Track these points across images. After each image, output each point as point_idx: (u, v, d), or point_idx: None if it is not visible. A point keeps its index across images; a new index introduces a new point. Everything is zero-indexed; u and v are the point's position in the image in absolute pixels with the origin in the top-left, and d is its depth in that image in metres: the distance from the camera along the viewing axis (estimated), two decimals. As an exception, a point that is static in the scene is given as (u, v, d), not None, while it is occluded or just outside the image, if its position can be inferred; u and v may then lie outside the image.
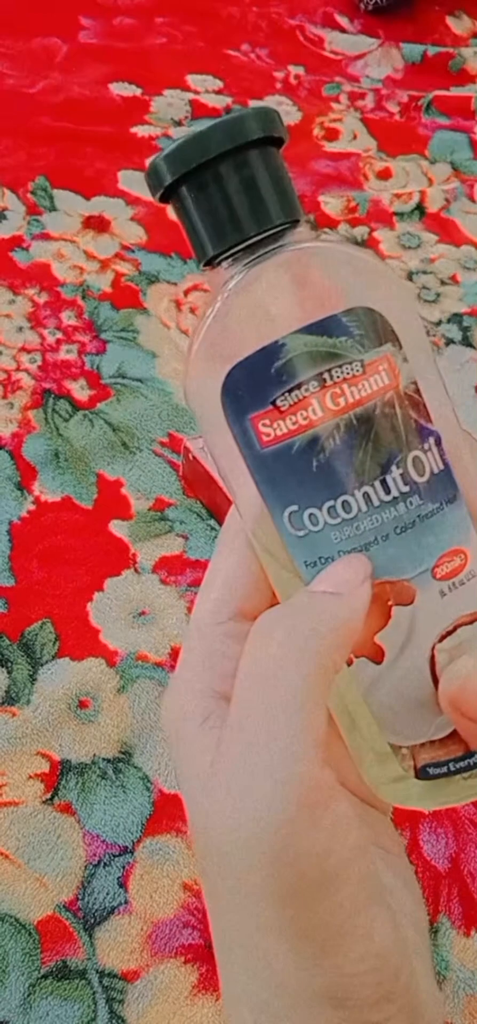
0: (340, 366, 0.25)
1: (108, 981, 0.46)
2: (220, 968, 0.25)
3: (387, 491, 0.25)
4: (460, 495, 0.26)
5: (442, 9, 1.15)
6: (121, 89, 1.00)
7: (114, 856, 0.49)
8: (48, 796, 0.51)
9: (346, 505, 0.25)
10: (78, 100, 0.98)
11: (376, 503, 0.25)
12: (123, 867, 0.49)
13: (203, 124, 0.26)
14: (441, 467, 0.26)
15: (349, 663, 0.26)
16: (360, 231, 0.86)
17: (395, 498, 0.25)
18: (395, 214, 0.88)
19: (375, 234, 0.86)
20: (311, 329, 0.25)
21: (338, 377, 0.25)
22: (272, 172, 0.27)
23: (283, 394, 0.25)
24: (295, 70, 1.06)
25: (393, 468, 0.25)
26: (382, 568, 0.25)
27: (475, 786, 0.27)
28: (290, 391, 0.25)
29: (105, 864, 0.49)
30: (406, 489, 0.25)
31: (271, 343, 0.25)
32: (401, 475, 0.25)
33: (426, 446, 0.26)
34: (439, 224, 0.88)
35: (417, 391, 0.26)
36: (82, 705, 0.54)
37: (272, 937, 0.23)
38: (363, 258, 0.27)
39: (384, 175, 0.93)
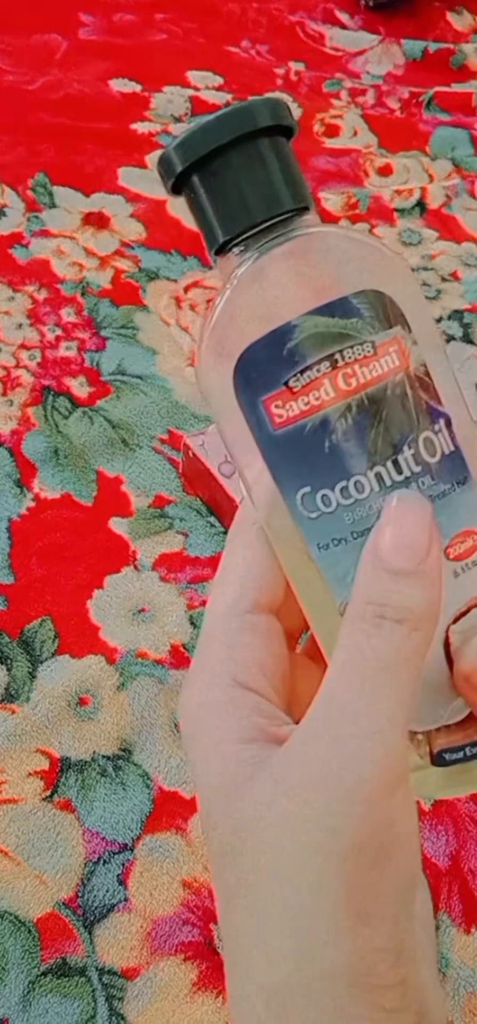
0: (351, 347, 0.25)
1: (108, 978, 0.46)
2: (229, 958, 0.25)
3: (399, 471, 0.25)
4: (471, 478, 0.26)
5: (443, 5, 1.15)
6: (121, 86, 1.00)
7: (114, 853, 0.49)
8: (48, 793, 0.51)
9: (359, 485, 0.25)
10: (78, 97, 0.98)
11: (388, 483, 0.25)
12: (123, 864, 0.49)
13: (212, 114, 0.26)
14: (452, 449, 0.26)
15: None
16: (360, 227, 0.86)
17: (407, 478, 0.25)
18: (396, 210, 0.88)
19: (376, 230, 0.86)
20: (322, 311, 0.25)
21: (350, 358, 0.25)
22: (281, 160, 0.27)
23: (295, 375, 0.25)
24: (295, 66, 1.06)
25: (405, 448, 0.25)
26: None
27: None
28: (302, 372, 0.25)
29: (105, 861, 0.49)
30: (418, 469, 0.25)
31: (283, 324, 0.25)
32: (413, 455, 0.25)
33: (437, 427, 0.26)
34: (440, 220, 0.88)
35: (427, 374, 0.26)
36: (82, 702, 0.54)
37: (314, 897, 0.23)
38: (372, 244, 0.28)
39: (385, 171, 0.93)
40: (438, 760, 0.26)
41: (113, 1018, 0.45)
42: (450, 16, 1.14)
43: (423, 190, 0.90)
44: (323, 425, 0.25)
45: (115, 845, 0.49)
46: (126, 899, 0.48)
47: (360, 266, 0.27)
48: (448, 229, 0.87)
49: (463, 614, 0.26)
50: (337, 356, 0.25)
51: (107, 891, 0.48)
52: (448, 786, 0.27)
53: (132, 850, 0.49)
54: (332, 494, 0.25)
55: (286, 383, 0.25)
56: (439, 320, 0.78)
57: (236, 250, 0.27)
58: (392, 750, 0.23)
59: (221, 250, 0.27)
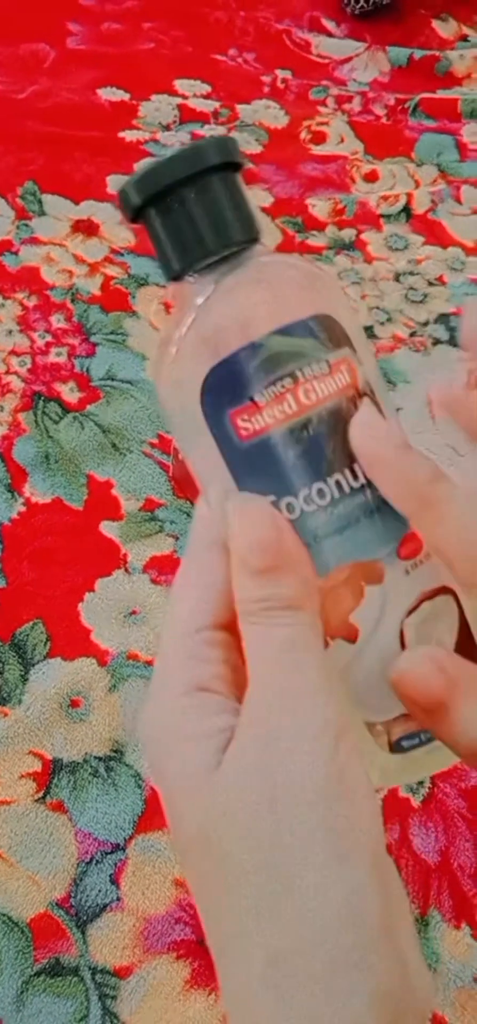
0: (309, 364, 0.27)
1: (101, 977, 0.46)
2: (215, 946, 0.26)
3: (355, 478, 0.27)
4: None
5: (428, 13, 1.16)
6: (109, 94, 1.01)
7: (106, 853, 0.49)
8: (40, 795, 0.51)
9: (320, 492, 0.27)
10: (66, 105, 0.99)
11: (346, 490, 0.27)
12: (115, 864, 0.49)
13: (169, 151, 0.29)
14: None
15: (326, 645, 0.27)
16: (347, 233, 0.87)
17: (362, 485, 0.27)
18: (382, 216, 0.89)
19: (362, 236, 0.87)
20: (283, 331, 0.27)
21: (309, 374, 0.27)
22: (233, 195, 0.29)
23: (260, 390, 0.27)
24: (282, 74, 1.07)
25: (329, 474, 0.27)
26: (355, 550, 0.27)
27: (447, 755, 0.28)
28: (267, 387, 0.27)
29: (97, 861, 0.49)
30: (349, 483, 0.27)
31: (249, 344, 0.27)
32: (339, 479, 0.27)
33: None
34: (426, 226, 0.88)
35: (372, 392, 0.29)
36: (73, 704, 0.55)
37: (311, 842, 0.24)
38: (318, 271, 0.30)
39: (371, 177, 0.93)
40: (396, 747, 0.28)
41: (106, 1017, 0.45)
42: (435, 23, 1.15)
43: (409, 196, 0.91)
44: (287, 437, 0.27)
45: (107, 845, 0.50)
46: (119, 898, 0.48)
47: (309, 292, 0.29)
48: (434, 234, 0.87)
49: (414, 608, 0.28)
50: (298, 373, 0.27)
51: (100, 891, 0.48)
52: (408, 772, 0.29)
53: (124, 850, 0.50)
54: (296, 501, 0.27)
55: (252, 398, 0.27)
56: (425, 324, 0.79)
57: (191, 278, 0.29)
58: (324, 709, 0.25)
59: (176, 278, 0.29)
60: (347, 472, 0.27)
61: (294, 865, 0.24)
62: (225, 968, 0.26)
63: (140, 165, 0.29)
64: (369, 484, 0.27)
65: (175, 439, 0.30)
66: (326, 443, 0.27)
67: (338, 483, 0.27)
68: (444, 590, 0.28)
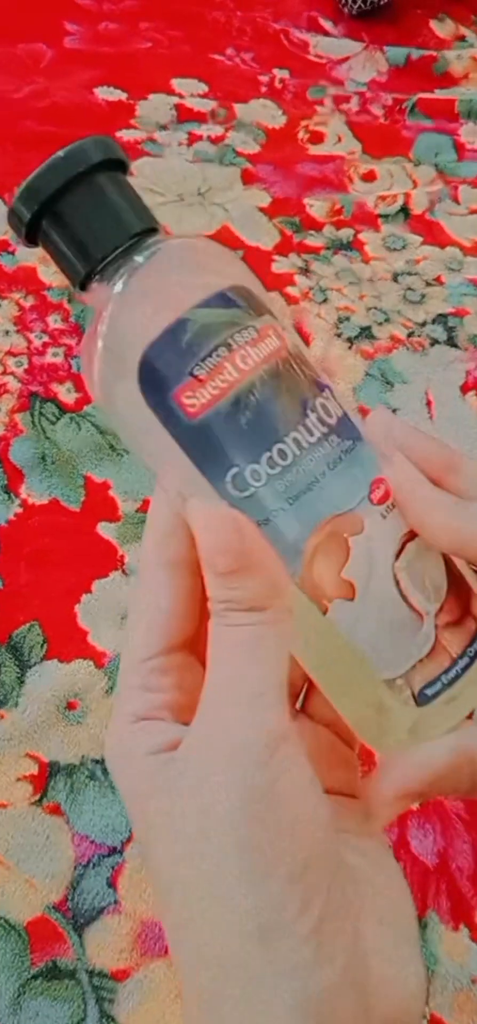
0: (239, 331, 0.27)
1: (98, 981, 0.46)
2: (172, 950, 0.26)
3: (311, 433, 0.27)
4: (363, 434, 0.29)
5: (425, 13, 1.16)
6: (106, 94, 1.00)
7: (103, 857, 0.49)
8: (37, 798, 0.51)
9: (282, 453, 0.27)
10: (63, 105, 0.98)
11: (305, 445, 0.27)
12: (112, 867, 0.49)
13: (51, 157, 0.28)
14: (341, 413, 0.28)
15: (325, 611, 0.27)
16: (345, 233, 0.87)
17: (319, 439, 0.27)
18: (380, 216, 0.89)
19: (360, 236, 0.86)
20: (208, 303, 0.27)
21: (241, 341, 0.27)
22: (124, 189, 0.29)
23: (198, 363, 0.27)
24: (280, 74, 1.06)
25: (308, 412, 0.27)
26: (329, 503, 0.27)
27: (468, 698, 0.28)
28: (204, 359, 0.27)
29: (94, 865, 0.49)
30: (325, 429, 0.28)
31: (176, 321, 0.27)
32: (317, 418, 0.28)
33: (325, 395, 0.28)
34: (424, 226, 0.88)
35: (301, 353, 0.29)
36: (70, 707, 0.54)
37: (216, 864, 0.24)
38: (221, 248, 0.30)
39: (369, 177, 0.93)
40: (421, 699, 0.28)
41: (103, 1020, 0.45)
42: (433, 23, 1.15)
43: (407, 196, 0.91)
44: (235, 404, 0.27)
45: (104, 848, 0.49)
46: (116, 902, 0.48)
47: (220, 267, 0.29)
48: (432, 234, 0.87)
49: (400, 551, 0.28)
50: (230, 340, 0.27)
51: (97, 894, 0.48)
52: (439, 722, 0.28)
53: (121, 853, 0.49)
54: (259, 467, 0.27)
55: (191, 372, 0.27)
56: (423, 324, 0.79)
57: (98, 281, 0.28)
58: (266, 714, 0.25)
59: (84, 283, 0.29)
60: (302, 429, 0.27)
61: (210, 879, 0.24)
62: (176, 970, 0.26)
63: (23, 183, 0.29)
64: (326, 436, 0.27)
65: (126, 444, 0.29)
66: (274, 404, 0.27)
67: (297, 440, 0.27)
68: None
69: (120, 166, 0.29)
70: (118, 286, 0.28)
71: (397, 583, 0.28)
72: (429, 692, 0.28)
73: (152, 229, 0.29)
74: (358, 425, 0.29)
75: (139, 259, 0.28)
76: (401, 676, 0.28)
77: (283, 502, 0.27)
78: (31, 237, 0.29)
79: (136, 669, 0.28)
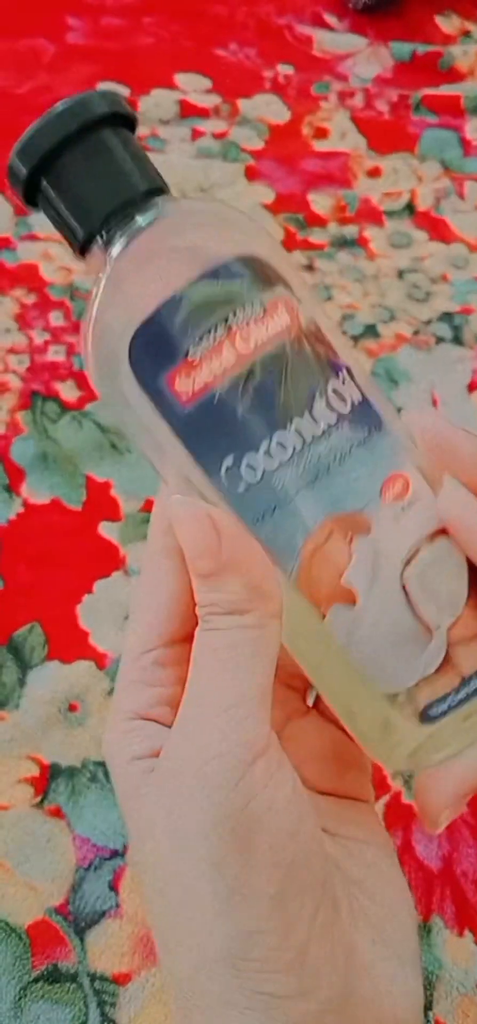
0: (242, 308, 0.25)
1: (99, 984, 0.46)
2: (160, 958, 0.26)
3: (316, 423, 0.25)
4: (385, 422, 0.26)
5: (431, 8, 1.16)
6: (109, 89, 1.00)
7: (105, 859, 0.49)
8: (38, 800, 0.51)
9: (281, 445, 0.25)
10: (66, 100, 0.98)
11: (309, 438, 0.25)
12: (114, 870, 0.49)
13: (52, 110, 0.26)
14: (360, 398, 0.26)
15: (323, 616, 0.25)
16: (350, 230, 0.86)
17: (325, 430, 0.25)
18: (385, 213, 0.88)
19: (365, 233, 0.86)
20: (206, 277, 0.25)
21: (242, 320, 0.25)
22: (131, 146, 0.27)
23: (193, 345, 0.24)
24: (284, 69, 1.06)
25: (316, 400, 0.25)
26: (332, 501, 0.25)
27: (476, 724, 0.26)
28: (199, 340, 0.24)
29: (96, 867, 0.49)
30: (334, 419, 0.25)
31: (170, 297, 0.25)
32: (326, 406, 0.25)
33: (341, 378, 0.26)
34: (429, 222, 0.88)
35: (318, 329, 0.26)
36: (71, 708, 0.54)
37: (190, 882, 0.23)
38: (237, 212, 0.27)
39: (374, 174, 0.93)
40: (426, 719, 0.26)
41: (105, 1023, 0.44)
42: (438, 19, 1.15)
43: (412, 192, 0.90)
44: (232, 390, 0.25)
45: (106, 851, 0.49)
46: (117, 905, 0.48)
47: (229, 234, 0.26)
48: (438, 231, 0.87)
49: (413, 557, 0.26)
50: (230, 319, 0.25)
51: (98, 897, 0.48)
52: (443, 744, 0.26)
53: (123, 856, 0.49)
54: (257, 457, 0.25)
55: (185, 355, 0.24)
56: (428, 322, 0.78)
57: (100, 242, 0.26)
58: (241, 726, 0.23)
59: (84, 247, 0.26)
60: (307, 418, 0.25)
61: (181, 897, 0.23)
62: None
63: (24, 134, 0.26)
64: (335, 426, 0.25)
65: (122, 429, 0.27)
66: (277, 390, 0.25)
67: (298, 431, 0.25)
68: (444, 532, 0.26)
69: (126, 122, 0.27)
70: (115, 250, 0.26)
71: (405, 592, 0.25)
72: (434, 712, 0.26)
73: (159, 189, 0.27)
74: (381, 411, 0.26)
75: (141, 221, 0.26)
76: (403, 692, 0.26)
77: (281, 498, 0.25)
78: (30, 197, 0.27)
79: (136, 662, 0.27)
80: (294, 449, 0.25)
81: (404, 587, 0.25)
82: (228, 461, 0.25)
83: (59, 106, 0.26)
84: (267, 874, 0.23)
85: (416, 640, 0.25)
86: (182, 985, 0.24)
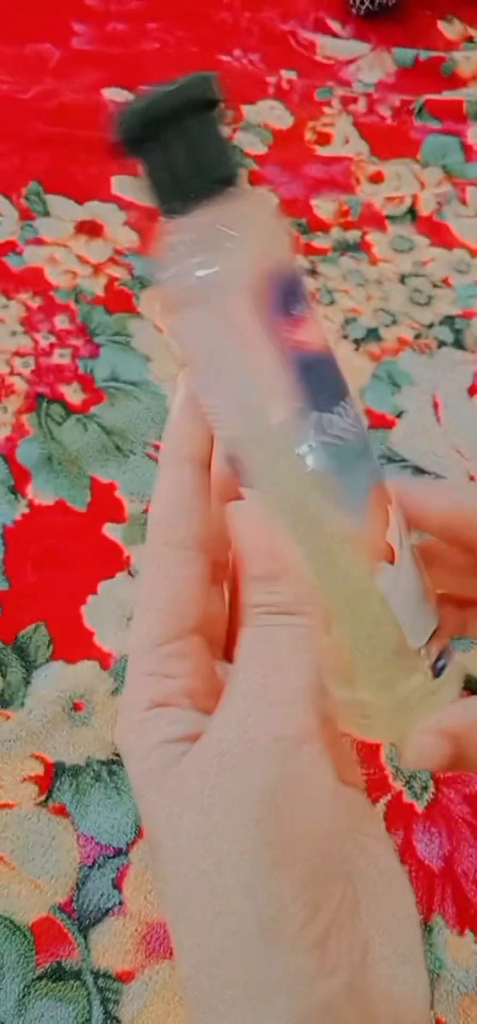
0: (311, 306, 0.29)
1: (103, 982, 0.46)
2: (173, 936, 0.26)
3: (354, 407, 0.29)
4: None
5: (433, 14, 1.16)
6: (114, 94, 1.00)
7: (108, 858, 0.49)
8: (42, 798, 0.51)
9: (346, 411, 0.29)
10: (71, 106, 0.98)
11: (351, 416, 0.29)
12: (117, 869, 0.49)
13: (163, 87, 0.29)
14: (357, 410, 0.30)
15: (373, 572, 0.29)
16: (352, 235, 0.86)
17: (357, 416, 0.29)
18: (387, 217, 0.89)
19: (367, 237, 0.86)
20: (298, 266, 0.29)
21: (314, 312, 0.29)
22: (224, 132, 0.30)
23: (303, 307, 0.28)
24: (287, 75, 1.06)
25: (348, 395, 0.29)
26: (376, 469, 0.29)
27: (440, 696, 0.30)
28: (306, 306, 0.28)
29: (99, 866, 0.49)
30: (359, 411, 0.30)
31: (296, 266, 0.28)
32: (353, 402, 0.29)
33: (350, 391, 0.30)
34: (431, 227, 0.88)
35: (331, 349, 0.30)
36: (76, 707, 0.54)
37: (234, 846, 0.24)
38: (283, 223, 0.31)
39: (376, 179, 0.93)
40: (436, 671, 0.30)
41: (108, 1021, 0.45)
42: (441, 25, 1.15)
43: (414, 197, 0.91)
44: (321, 355, 0.28)
45: (110, 850, 0.49)
46: (121, 903, 0.48)
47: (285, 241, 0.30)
48: (440, 236, 0.87)
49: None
50: (311, 306, 0.29)
51: (102, 895, 0.48)
52: (444, 696, 0.30)
53: (127, 854, 0.49)
54: (333, 419, 0.28)
55: (301, 312, 0.28)
56: (430, 326, 0.78)
57: (195, 211, 0.28)
58: (295, 715, 0.25)
59: (183, 209, 0.28)
60: (350, 398, 0.29)
61: (213, 875, 0.24)
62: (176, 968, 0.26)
63: (138, 96, 0.29)
64: (356, 423, 0.29)
65: (195, 372, 0.29)
66: (337, 370, 0.29)
67: (352, 405, 0.29)
68: None
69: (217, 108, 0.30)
70: (220, 222, 0.28)
71: (415, 557, 0.29)
72: (439, 664, 0.30)
73: (236, 178, 0.29)
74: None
75: (239, 198, 0.29)
76: (424, 648, 0.29)
77: (352, 458, 0.28)
78: (130, 148, 0.29)
79: (150, 654, 0.27)
80: (352, 418, 0.29)
81: (413, 551, 0.30)
82: (313, 414, 0.28)
83: (172, 84, 0.29)
84: (304, 855, 0.24)
85: (426, 599, 0.30)
86: (206, 967, 0.24)
